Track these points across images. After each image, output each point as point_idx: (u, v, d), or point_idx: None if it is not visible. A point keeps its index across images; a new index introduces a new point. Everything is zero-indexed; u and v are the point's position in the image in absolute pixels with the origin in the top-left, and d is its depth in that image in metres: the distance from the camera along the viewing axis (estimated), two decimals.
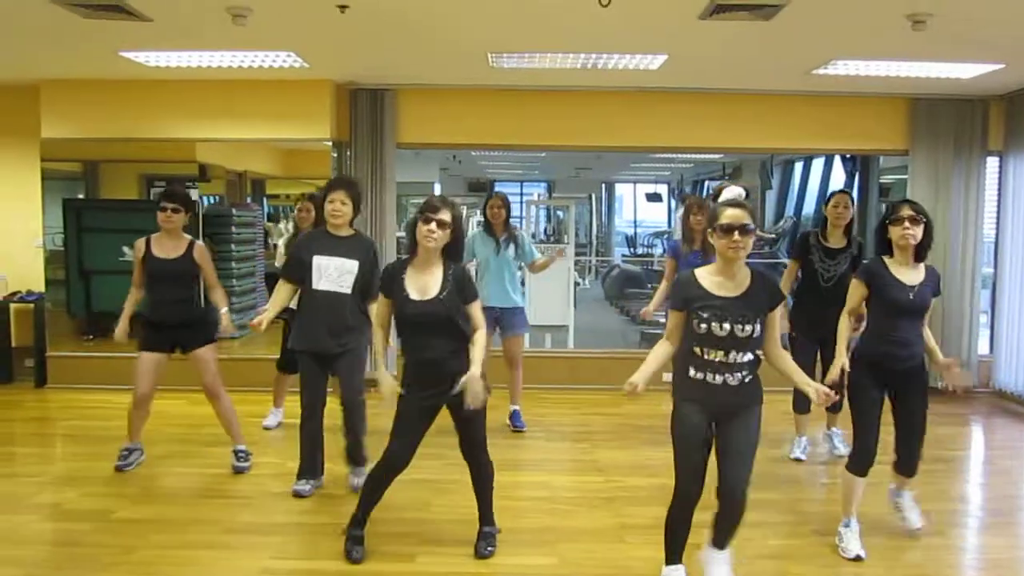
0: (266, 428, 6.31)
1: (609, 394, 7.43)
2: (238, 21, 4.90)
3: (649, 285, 13.19)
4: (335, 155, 7.49)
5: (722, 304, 3.35)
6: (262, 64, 6.47)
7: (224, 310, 5.16)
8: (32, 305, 7.70)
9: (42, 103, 7.28)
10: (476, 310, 3.93)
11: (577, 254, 16.87)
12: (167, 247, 5.08)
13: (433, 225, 3.73)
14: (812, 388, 3.49)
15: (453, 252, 3.90)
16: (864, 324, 4.16)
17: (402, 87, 7.43)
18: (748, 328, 3.34)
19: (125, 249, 8.22)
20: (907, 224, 3.95)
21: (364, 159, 7.42)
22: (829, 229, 5.41)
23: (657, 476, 5.27)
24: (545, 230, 17.48)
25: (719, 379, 3.38)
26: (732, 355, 3.36)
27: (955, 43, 5.66)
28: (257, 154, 10.29)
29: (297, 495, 4.79)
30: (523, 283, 6.44)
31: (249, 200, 11.09)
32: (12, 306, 7.76)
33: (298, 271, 4.68)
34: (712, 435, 3.46)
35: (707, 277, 3.43)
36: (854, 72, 6.52)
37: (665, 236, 17.25)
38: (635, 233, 20.32)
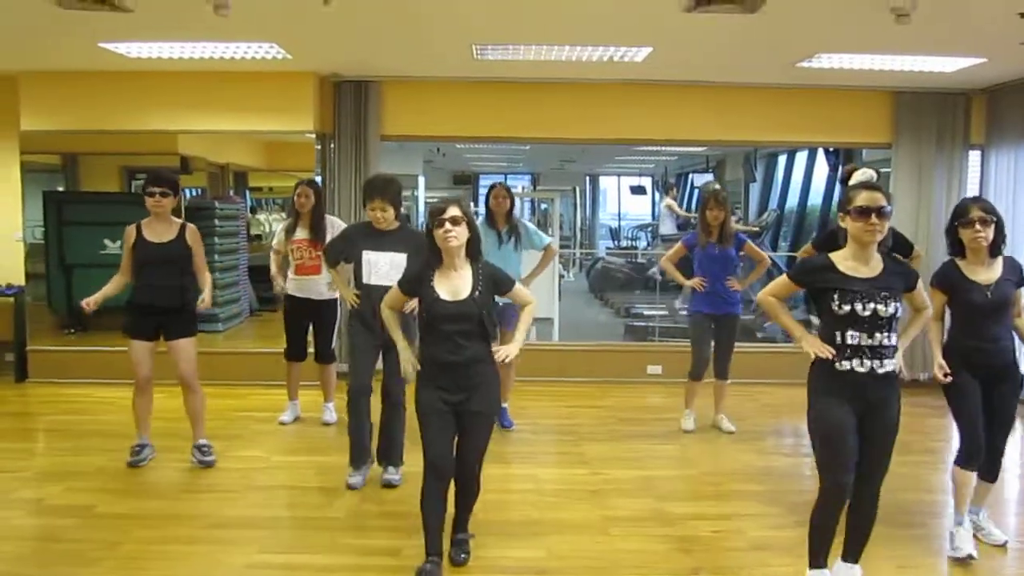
0: (282, 423, 6.24)
1: (595, 386, 7.46)
2: (220, 12, 4.81)
3: (634, 282, 13.21)
4: (319, 148, 7.45)
5: (863, 283, 3.32)
6: (244, 56, 6.42)
7: (206, 291, 5.15)
8: (12, 299, 7.62)
9: (21, 95, 7.19)
10: (519, 291, 3.92)
11: (561, 247, 16.90)
12: (158, 231, 5.06)
13: (448, 224, 3.63)
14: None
15: (475, 248, 3.79)
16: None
17: (386, 79, 7.39)
18: (891, 307, 3.30)
19: (107, 242, 8.21)
20: (978, 227, 3.87)
21: (348, 152, 7.38)
22: None
23: (642, 469, 5.30)
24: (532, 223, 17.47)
25: (867, 366, 3.30)
26: (877, 336, 3.29)
27: (938, 37, 5.69)
28: (239, 146, 10.26)
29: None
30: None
31: (231, 192, 11.05)
32: None
33: (334, 256, 4.98)
34: (856, 426, 3.36)
35: (842, 262, 3.38)
36: (838, 65, 6.54)
37: (648, 228, 17.27)
38: (619, 226, 20.34)
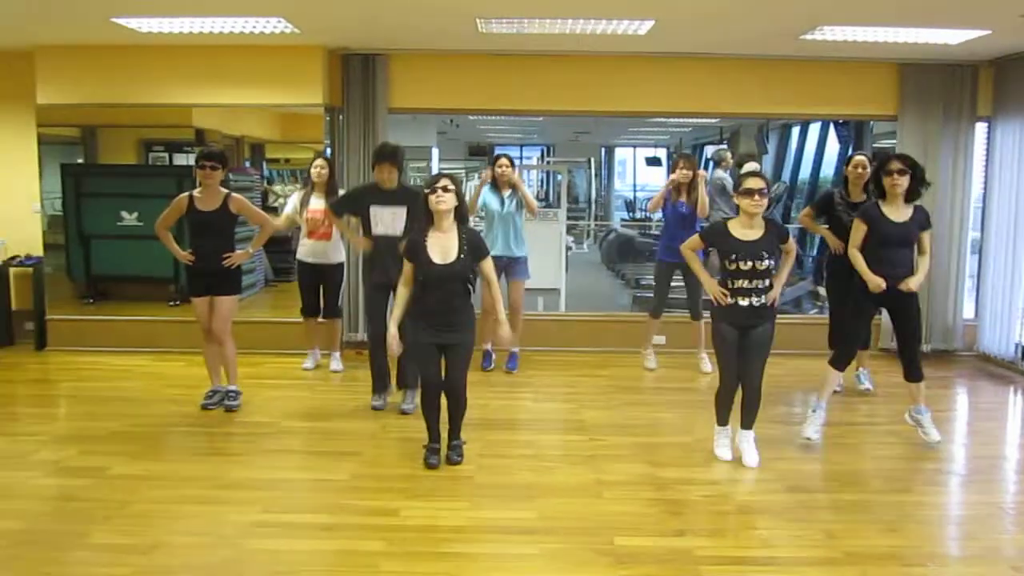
0: (305, 369, 6.98)
1: (600, 356, 7.57)
2: None
3: (647, 253, 13.27)
4: (327, 119, 7.54)
5: (746, 246, 4.62)
6: (252, 30, 6.50)
7: (247, 250, 5.79)
8: (31, 269, 7.82)
9: (37, 69, 7.31)
10: (488, 265, 4.81)
11: (576, 218, 16.94)
12: (207, 201, 5.61)
13: (440, 192, 4.59)
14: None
15: (461, 212, 4.72)
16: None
17: (393, 52, 7.46)
18: (767, 261, 4.62)
19: (123, 214, 8.39)
20: (895, 176, 4.94)
21: (356, 124, 7.47)
22: (851, 187, 6.06)
23: (638, 435, 5.42)
24: (537, 195, 17.53)
25: (745, 302, 4.66)
26: (755, 282, 4.63)
27: (940, 9, 5.70)
28: (254, 119, 10.34)
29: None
30: None
31: (248, 164, 11.18)
32: (11, 270, 7.87)
33: (341, 209, 6.03)
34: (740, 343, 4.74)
35: (736, 228, 4.69)
36: (841, 37, 6.54)
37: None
38: (634, 197, 20.32)
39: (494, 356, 7.14)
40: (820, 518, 4.16)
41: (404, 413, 5.72)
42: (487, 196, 6.87)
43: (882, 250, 5.01)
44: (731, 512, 4.22)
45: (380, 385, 5.89)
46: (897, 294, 5.03)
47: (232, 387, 5.86)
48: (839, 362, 5.25)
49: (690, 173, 6.74)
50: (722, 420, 4.97)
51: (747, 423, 4.90)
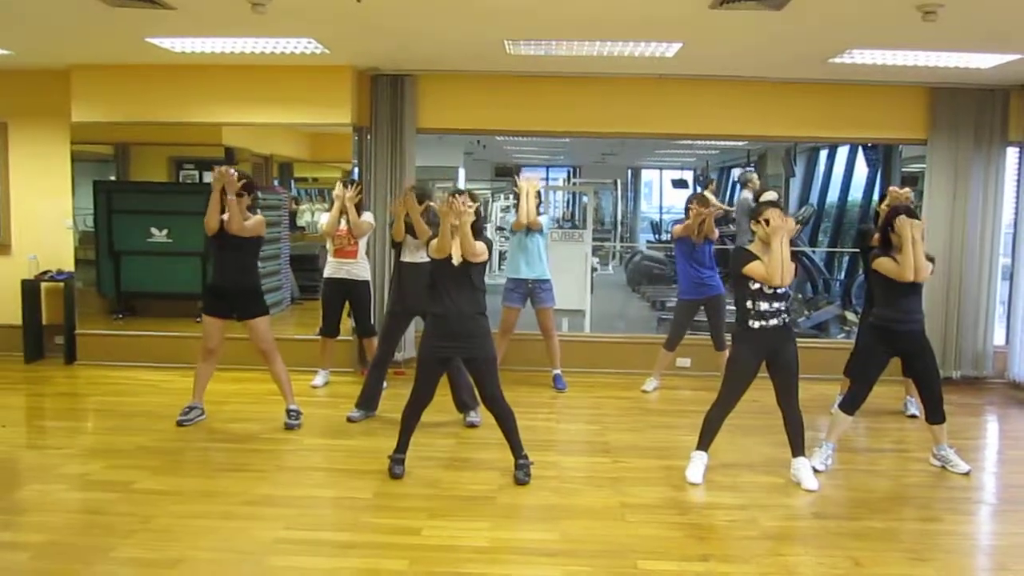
0: (314, 387, 7.02)
1: (625, 378, 7.53)
2: (257, 9, 5.01)
3: (672, 275, 13.23)
4: (356, 139, 7.60)
5: None
6: (283, 50, 6.59)
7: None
8: (62, 284, 7.92)
9: (72, 88, 7.45)
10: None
11: (600, 240, 16.92)
12: (233, 224, 5.69)
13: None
14: None
15: (478, 228, 4.82)
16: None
17: (422, 73, 7.52)
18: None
19: (153, 230, 8.49)
20: None
21: (384, 144, 7.52)
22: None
23: (663, 459, 5.38)
24: (563, 215, 17.55)
25: (772, 322, 4.76)
26: (775, 304, 4.76)
27: (969, 34, 5.66)
28: (283, 138, 10.46)
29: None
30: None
31: (276, 183, 11.29)
32: (43, 285, 7.97)
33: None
34: (757, 372, 4.84)
35: (756, 252, 4.77)
36: (871, 61, 6.52)
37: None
38: (660, 219, 20.28)
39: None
40: (846, 545, 4.10)
41: (472, 426, 5.90)
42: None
43: (897, 298, 5.11)
44: (756, 538, 4.17)
45: (364, 402, 6.09)
46: (908, 337, 5.14)
47: (292, 406, 5.92)
48: (849, 407, 5.22)
49: (703, 212, 6.69)
50: (704, 444, 4.98)
51: (798, 450, 4.96)
